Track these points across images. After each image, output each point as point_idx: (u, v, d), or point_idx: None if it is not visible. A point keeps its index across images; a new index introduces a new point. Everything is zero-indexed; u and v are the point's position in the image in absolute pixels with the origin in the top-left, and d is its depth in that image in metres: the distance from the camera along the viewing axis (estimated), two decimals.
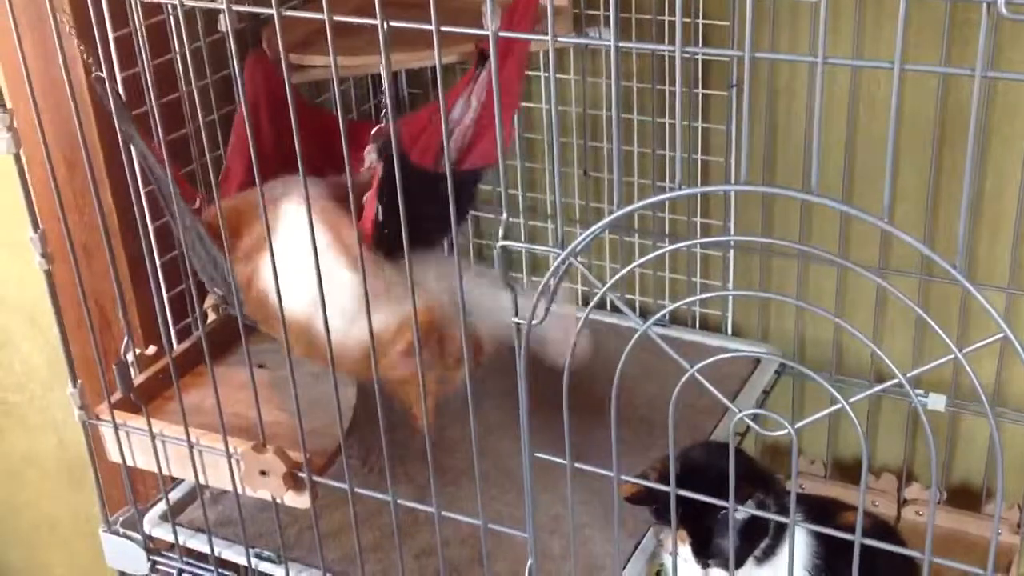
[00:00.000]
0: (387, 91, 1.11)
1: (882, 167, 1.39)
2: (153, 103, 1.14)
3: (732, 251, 1.58)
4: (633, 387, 1.46)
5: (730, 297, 1.64)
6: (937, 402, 1.49)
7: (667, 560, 1.17)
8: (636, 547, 1.26)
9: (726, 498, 0.92)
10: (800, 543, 1.10)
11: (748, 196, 1.55)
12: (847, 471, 1.66)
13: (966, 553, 1.43)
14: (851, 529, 0.89)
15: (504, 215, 0.94)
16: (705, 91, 1.53)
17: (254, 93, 1.35)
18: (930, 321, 0.80)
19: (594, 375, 1.06)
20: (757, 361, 1.57)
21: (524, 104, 1.62)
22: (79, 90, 1.24)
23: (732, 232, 1.55)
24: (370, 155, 1.16)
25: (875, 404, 1.61)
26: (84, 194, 1.40)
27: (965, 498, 1.58)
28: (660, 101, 1.55)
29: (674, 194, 0.85)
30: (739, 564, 1.06)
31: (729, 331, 1.66)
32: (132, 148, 1.22)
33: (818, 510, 1.07)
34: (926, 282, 1.47)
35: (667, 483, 0.94)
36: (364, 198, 1.17)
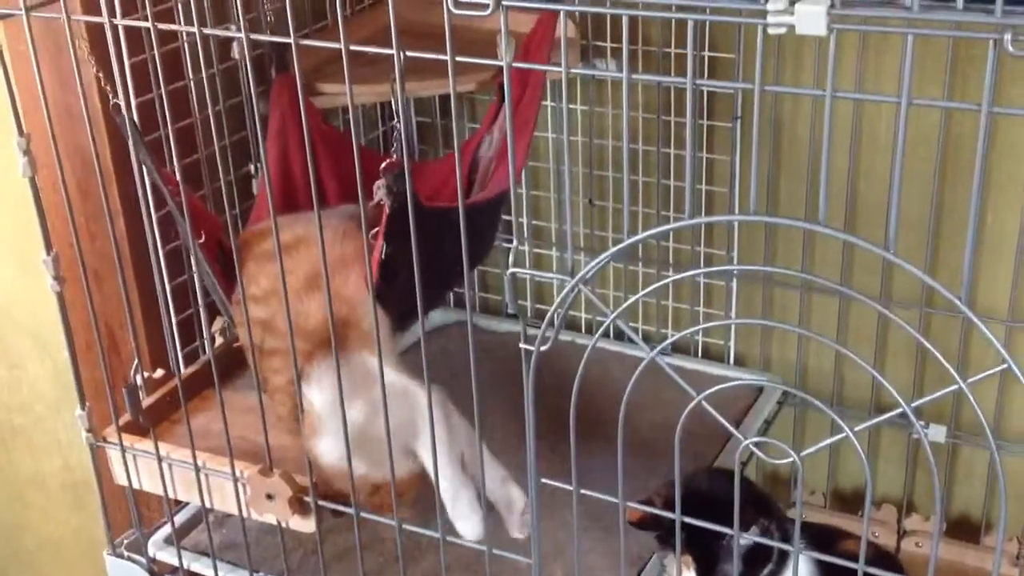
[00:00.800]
0: (400, 123, 1.10)
1: (882, 199, 1.42)
2: (169, 128, 1.15)
3: (735, 280, 1.60)
4: (635, 414, 1.44)
5: (732, 326, 1.65)
6: (938, 434, 1.50)
7: None
8: (639, 574, 1.26)
9: (730, 524, 0.93)
10: (802, 571, 1.10)
11: (752, 226, 1.57)
12: (846, 502, 1.67)
13: None
14: (853, 557, 0.90)
15: (515, 243, 0.96)
16: (710, 122, 1.55)
17: (281, 117, 1.36)
18: (934, 350, 0.81)
19: (596, 402, 1.08)
20: (760, 391, 1.58)
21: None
22: (95, 117, 1.25)
23: (736, 262, 1.57)
24: (379, 191, 1.12)
25: (875, 436, 1.62)
26: (97, 220, 1.41)
27: (964, 530, 1.59)
28: (666, 132, 1.57)
29: (683, 223, 0.86)
30: None
31: (731, 360, 1.67)
32: (146, 174, 1.23)
33: (820, 538, 1.08)
34: (927, 314, 1.48)
35: (672, 509, 0.95)
36: (371, 234, 1.17)
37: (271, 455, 1.20)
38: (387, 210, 1.11)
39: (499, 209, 1.39)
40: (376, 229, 1.15)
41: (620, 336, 1.66)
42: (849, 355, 0.86)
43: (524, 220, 1.71)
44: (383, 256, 1.15)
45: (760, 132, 0.81)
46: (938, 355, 0.80)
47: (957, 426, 1.53)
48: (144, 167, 1.21)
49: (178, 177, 1.18)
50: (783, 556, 1.08)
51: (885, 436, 1.62)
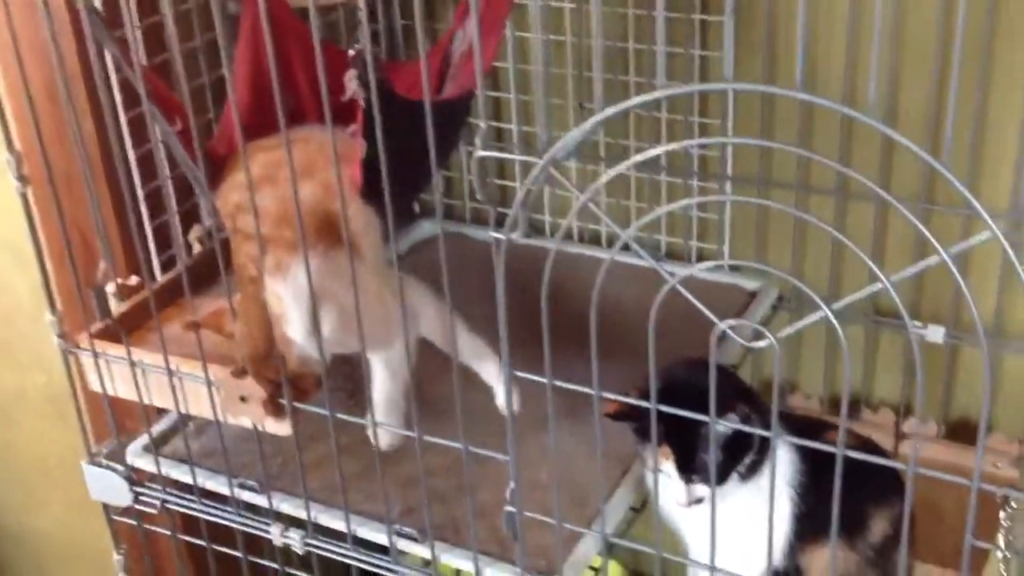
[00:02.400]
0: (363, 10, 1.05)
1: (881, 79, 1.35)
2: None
3: (730, 147, 1.55)
4: (625, 321, 1.43)
5: (727, 230, 1.60)
6: (936, 334, 1.45)
7: (649, 478, 1.15)
8: (624, 474, 1.24)
9: (708, 414, 0.90)
10: (784, 460, 1.07)
11: (746, 125, 1.52)
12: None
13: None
14: (835, 445, 0.86)
15: (482, 124, 0.92)
16: (703, 16, 1.49)
17: (253, 15, 1.31)
18: (932, 240, 0.77)
19: (577, 302, 1.04)
20: (752, 296, 1.55)
21: (518, 34, 1.58)
22: (57, 12, 1.21)
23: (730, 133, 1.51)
24: (351, 83, 1.08)
25: (872, 338, 1.58)
26: (65, 124, 1.37)
27: (964, 432, 1.56)
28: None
29: (668, 92, 0.81)
30: (722, 479, 1.04)
31: (726, 268, 1.63)
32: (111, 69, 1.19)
33: (803, 429, 1.04)
34: (926, 211, 1.43)
35: (648, 399, 0.91)
36: (348, 131, 1.12)
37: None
38: (361, 103, 1.07)
39: (468, 108, 1.34)
40: (353, 127, 1.11)
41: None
42: (846, 242, 0.82)
43: (512, 127, 1.66)
44: (363, 156, 1.12)
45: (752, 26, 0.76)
46: (936, 244, 0.76)
47: (957, 327, 1.48)
48: (111, 55, 1.16)
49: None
50: (765, 446, 1.05)
51: (884, 338, 1.58)
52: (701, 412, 0.91)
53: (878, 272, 0.76)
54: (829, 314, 0.80)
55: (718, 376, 0.88)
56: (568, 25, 1.57)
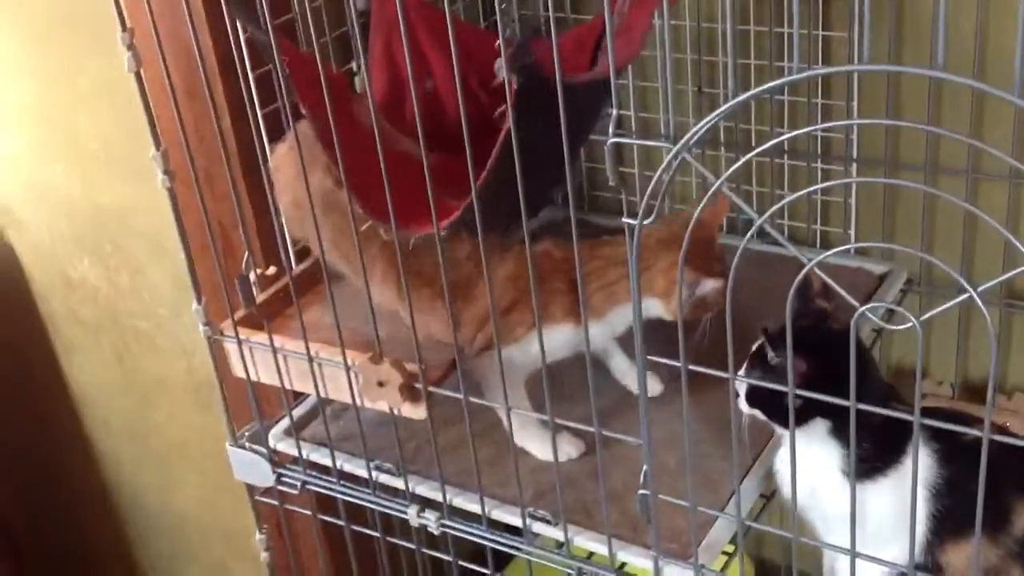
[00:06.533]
0: None
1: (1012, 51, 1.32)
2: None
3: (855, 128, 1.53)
4: (752, 307, 1.42)
5: (853, 214, 1.58)
6: None
7: (778, 465, 1.16)
8: (755, 460, 1.24)
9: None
10: (922, 464, 1.06)
11: (871, 105, 1.49)
12: (976, 393, 1.60)
13: None
14: (976, 443, 0.86)
15: (614, 110, 0.93)
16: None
17: (382, 6, 1.33)
18: None
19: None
20: (881, 280, 1.53)
21: None
22: (196, 11, 1.26)
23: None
24: (500, 70, 1.09)
25: (1006, 324, 1.54)
26: (204, 121, 1.42)
27: None
28: (779, 11, 1.50)
29: (795, 77, 0.81)
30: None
31: (852, 251, 1.61)
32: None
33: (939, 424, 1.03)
34: None
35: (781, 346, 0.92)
36: (497, 111, 1.11)
37: (380, 344, 1.21)
38: (514, 86, 1.03)
39: (608, 89, 1.33)
40: (502, 108, 1.10)
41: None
42: (986, 219, 0.80)
43: (629, 112, 1.66)
44: (504, 140, 1.08)
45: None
46: None
47: None
48: (260, 45, 1.17)
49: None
50: (904, 441, 1.03)
51: (1018, 323, 1.54)
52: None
53: None
54: (976, 296, 0.79)
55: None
56: (687, 9, 1.57)
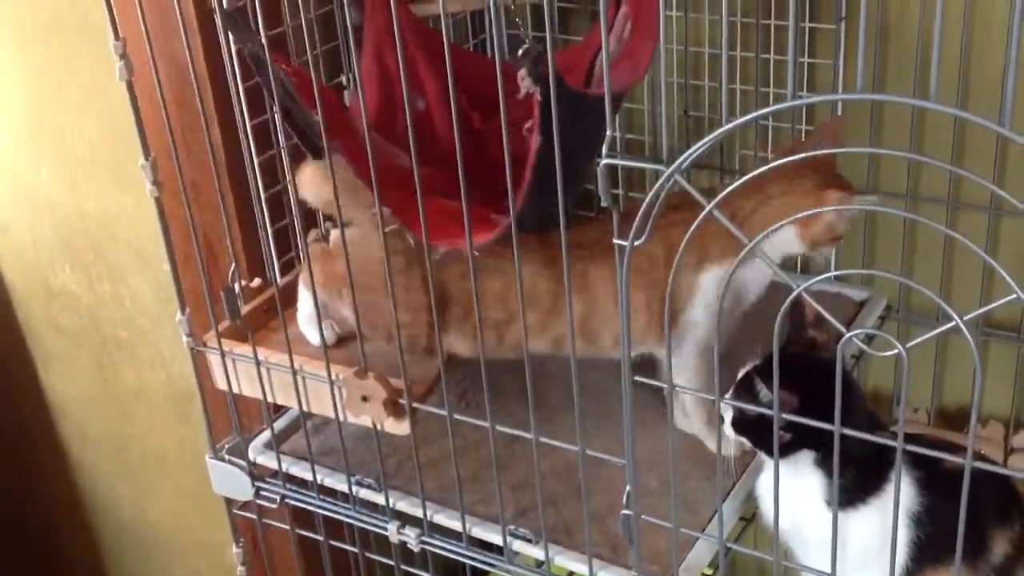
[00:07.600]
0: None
1: (996, 81, 1.34)
2: (262, 34, 1.15)
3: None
4: (738, 332, 1.44)
5: None
6: None
7: (760, 488, 1.17)
8: (735, 483, 1.25)
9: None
10: (903, 492, 1.07)
11: (856, 123, 1.51)
12: (951, 420, 1.62)
13: None
14: (956, 471, 0.86)
15: (608, 131, 0.93)
16: (812, 24, 1.49)
17: (376, 26, 1.33)
18: None
19: None
20: (860, 306, 1.54)
21: None
22: (189, 22, 1.26)
23: None
24: (525, 80, 1.05)
25: (983, 351, 1.56)
26: (193, 131, 1.42)
27: None
28: (765, 37, 1.52)
29: (783, 105, 0.83)
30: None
31: (833, 278, 1.62)
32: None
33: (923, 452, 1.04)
34: None
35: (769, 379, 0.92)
36: (525, 128, 1.12)
37: (365, 359, 1.21)
38: (538, 98, 1.04)
39: (621, 102, 1.33)
40: (530, 123, 1.08)
41: None
42: (961, 239, 0.82)
43: (616, 134, 1.67)
44: (537, 151, 1.08)
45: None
46: None
47: None
48: (251, 57, 1.17)
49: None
50: (886, 467, 1.04)
51: (993, 351, 1.56)
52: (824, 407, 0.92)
53: (1013, 284, 0.76)
54: (963, 325, 0.80)
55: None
56: (674, 33, 1.59)
